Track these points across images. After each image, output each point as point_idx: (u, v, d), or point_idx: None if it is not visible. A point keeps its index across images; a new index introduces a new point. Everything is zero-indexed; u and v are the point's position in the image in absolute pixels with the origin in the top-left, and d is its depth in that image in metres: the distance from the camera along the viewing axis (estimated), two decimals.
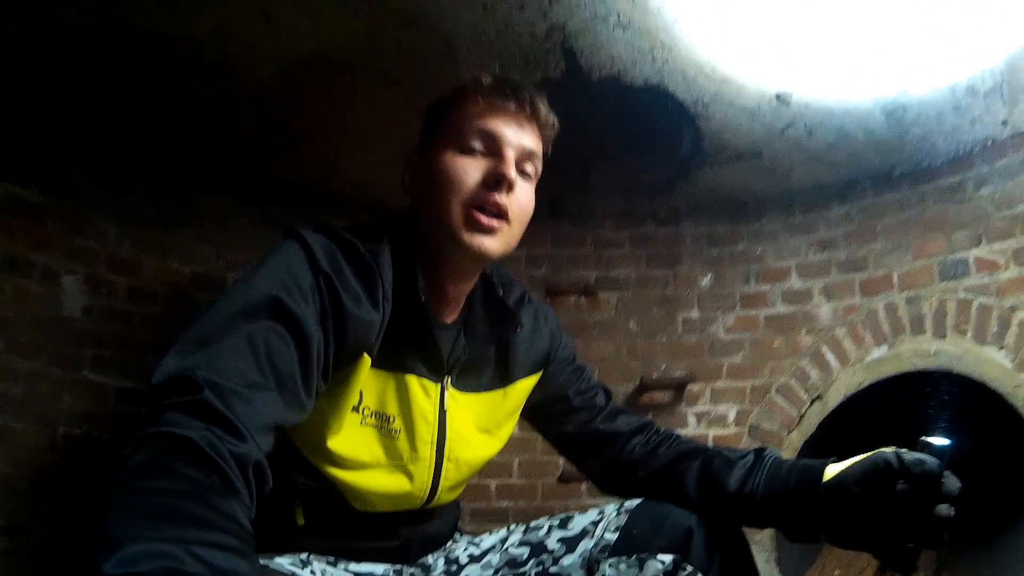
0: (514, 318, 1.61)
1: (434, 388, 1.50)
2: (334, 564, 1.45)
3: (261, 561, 1.31)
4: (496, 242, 1.47)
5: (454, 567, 1.58)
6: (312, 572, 1.39)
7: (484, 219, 1.44)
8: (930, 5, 2.76)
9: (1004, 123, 3.45)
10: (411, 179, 1.54)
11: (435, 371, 1.51)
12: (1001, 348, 3.40)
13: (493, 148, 1.46)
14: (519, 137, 1.48)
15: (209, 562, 0.87)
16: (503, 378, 1.64)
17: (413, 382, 1.47)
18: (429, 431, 1.49)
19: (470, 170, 1.44)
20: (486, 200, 1.44)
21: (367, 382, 1.41)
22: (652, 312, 4.16)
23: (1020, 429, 3.36)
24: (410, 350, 1.46)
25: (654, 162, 3.70)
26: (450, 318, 1.55)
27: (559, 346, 1.77)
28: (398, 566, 1.54)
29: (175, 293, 3.52)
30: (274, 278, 1.28)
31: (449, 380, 1.53)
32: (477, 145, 1.46)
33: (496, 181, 1.44)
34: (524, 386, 1.69)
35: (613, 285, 4.19)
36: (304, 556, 1.43)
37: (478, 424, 1.61)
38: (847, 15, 2.77)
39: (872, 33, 2.86)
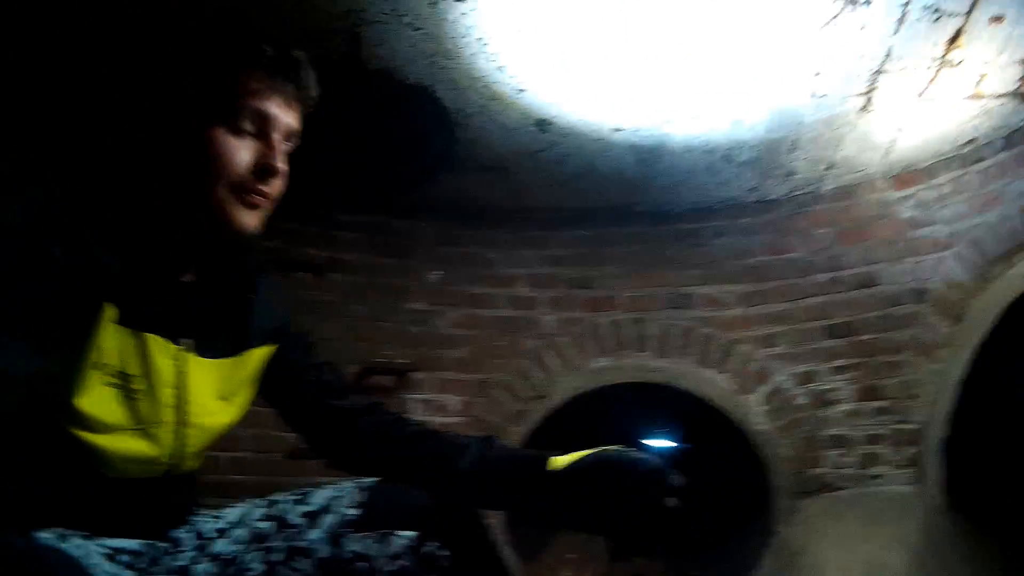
0: (252, 285, 1.59)
1: (173, 349, 1.44)
2: (89, 539, 1.36)
3: (25, 536, 1.24)
4: (257, 219, 1.46)
5: (203, 541, 1.53)
6: (75, 547, 1.31)
7: (251, 199, 1.42)
8: (710, 76, 3.06)
9: (752, 189, 4.02)
10: (170, 145, 1.42)
11: (174, 332, 1.45)
12: (723, 372, 4.00)
13: (264, 131, 1.42)
14: (288, 118, 1.46)
15: None
16: (239, 345, 1.60)
17: (154, 342, 1.41)
18: (170, 394, 1.44)
19: (240, 153, 1.39)
20: (254, 187, 1.42)
21: (109, 338, 1.34)
22: (379, 299, 4.25)
23: (742, 440, 3.97)
24: (151, 309, 1.41)
25: (405, 158, 3.77)
26: (189, 277, 1.51)
27: (294, 321, 1.76)
28: (149, 541, 1.48)
29: None
30: (22, 214, 1.25)
31: (187, 344, 1.48)
32: (248, 126, 1.41)
33: (266, 171, 1.42)
34: (259, 355, 1.66)
35: (343, 268, 4.22)
36: (61, 531, 1.33)
37: (216, 391, 1.56)
38: (626, 58, 2.98)
39: (646, 84, 3.12)
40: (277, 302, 1.69)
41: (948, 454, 3.57)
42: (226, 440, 3.57)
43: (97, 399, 1.32)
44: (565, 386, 4.15)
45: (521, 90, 3.15)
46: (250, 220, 1.43)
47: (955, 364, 3.56)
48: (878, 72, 2.97)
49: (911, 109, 3.24)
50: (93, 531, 1.37)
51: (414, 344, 4.21)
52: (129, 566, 1.39)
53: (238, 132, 1.38)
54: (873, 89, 3.08)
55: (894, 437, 3.73)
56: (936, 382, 3.62)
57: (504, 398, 4.17)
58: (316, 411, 1.73)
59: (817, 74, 2.99)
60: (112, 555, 1.37)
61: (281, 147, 1.43)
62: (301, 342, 1.76)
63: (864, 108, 3.22)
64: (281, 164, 1.42)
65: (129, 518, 1.44)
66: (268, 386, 1.72)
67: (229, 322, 1.57)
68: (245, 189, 1.39)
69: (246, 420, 2.91)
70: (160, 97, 1.40)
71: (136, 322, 1.37)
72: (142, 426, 1.40)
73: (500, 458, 1.56)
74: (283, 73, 1.41)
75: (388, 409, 1.75)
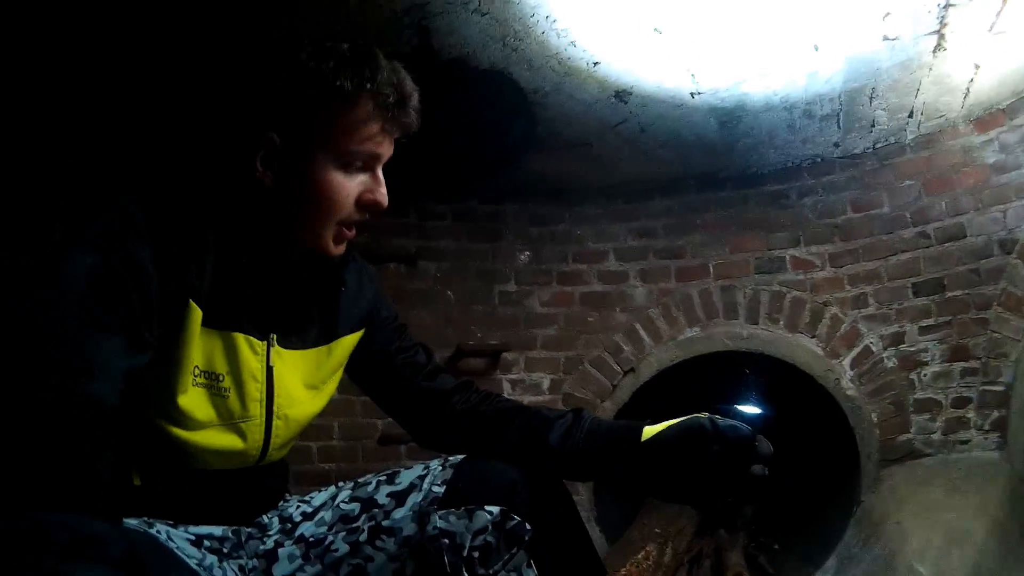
0: (339, 277, 1.62)
1: (260, 346, 1.50)
2: (174, 527, 1.42)
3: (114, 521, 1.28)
4: (346, 245, 1.53)
5: (288, 525, 1.59)
6: (159, 533, 1.37)
7: (349, 232, 1.49)
8: (781, 31, 3.00)
9: (836, 145, 3.93)
10: (274, 172, 1.44)
11: (261, 329, 1.50)
12: (812, 337, 3.96)
13: (371, 166, 1.46)
14: (391, 150, 1.49)
15: (74, 528, 0.88)
16: (327, 335, 1.65)
17: (240, 340, 1.46)
18: (258, 389, 1.49)
19: (349, 189, 1.44)
20: (358, 220, 1.48)
21: (196, 341, 1.39)
22: (470, 283, 4.33)
23: (833, 408, 3.92)
24: (236, 308, 1.46)
25: (486, 142, 3.77)
26: (275, 275, 1.54)
27: (381, 304, 1.80)
28: (235, 527, 1.54)
29: None
30: (112, 221, 1.29)
31: (275, 338, 1.53)
32: (359, 163, 1.44)
33: (374, 205, 1.47)
34: (348, 343, 1.70)
35: (434, 255, 4.32)
36: (146, 519, 1.39)
37: (305, 381, 1.62)
38: (695, 20, 2.94)
39: (718, 45, 3.08)
40: (365, 287, 1.74)
41: None
42: (317, 430, 3.68)
43: (189, 398, 1.38)
44: (656, 359, 4.16)
45: (596, 63, 3.14)
46: (341, 248, 1.50)
47: None
48: (947, 6, 2.84)
49: (984, 45, 3.09)
50: (180, 519, 1.44)
51: (506, 325, 4.29)
52: (215, 551, 1.45)
53: (348, 170, 1.42)
54: (944, 26, 2.95)
55: (981, 400, 3.62)
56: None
57: (595, 374, 4.21)
58: (407, 392, 1.77)
59: (887, 15, 2.88)
60: (197, 541, 1.43)
61: (383, 180, 1.47)
62: (390, 325, 1.80)
63: (938, 47, 3.09)
64: (385, 196, 1.47)
65: (217, 506, 1.51)
66: (359, 370, 1.78)
67: (317, 313, 1.62)
68: (349, 223, 1.46)
69: (336, 409, 2.98)
70: (279, 132, 1.41)
71: (223, 321, 1.42)
72: (232, 422, 1.46)
73: (593, 431, 1.57)
74: (399, 116, 1.43)
75: (478, 387, 1.79)
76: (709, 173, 4.20)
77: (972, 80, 3.39)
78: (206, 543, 1.45)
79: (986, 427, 3.61)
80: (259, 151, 1.41)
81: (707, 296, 4.18)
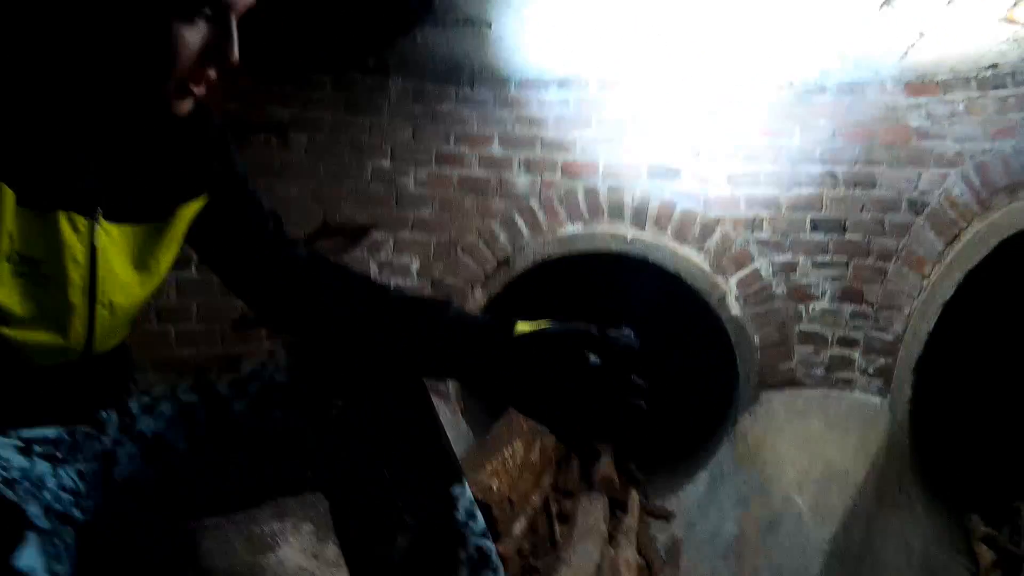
0: (178, 136, 1.42)
1: (84, 224, 1.29)
2: (4, 434, 1.27)
3: None
4: (192, 103, 1.28)
5: (127, 420, 1.44)
6: None
7: (196, 88, 1.25)
8: None
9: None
10: (103, 17, 1.18)
11: (85, 204, 1.29)
12: (701, 251, 3.95)
13: (221, 15, 1.22)
14: None
15: None
16: (164, 205, 1.43)
17: (62, 219, 1.26)
18: (79, 274, 1.30)
19: (190, 39, 1.19)
20: (203, 76, 1.24)
21: (11, 225, 1.20)
22: (343, 157, 4.09)
23: (715, 326, 3.95)
24: (58, 181, 1.25)
25: (376, 12, 3.48)
26: (104, 138, 1.32)
27: (229, 168, 1.56)
28: (71, 427, 1.38)
29: None
30: None
31: (101, 213, 1.32)
32: (205, 11, 1.20)
33: (220, 61, 1.23)
34: (187, 212, 1.48)
35: (307, 126, 4.04)
36: None
37: (134, 260, 1.41)
38: None
39: None
40: (210, 149, 1.50)
41: (919, 374, 3.64)
42: (175, 312, 3.49)
43: (5, 291, 1.21)
44: (533, 251, 4.07)
45: None
46: (186, 106, 1.26)
47: (945, 285, 3.60)
48: None
49: (936, 16, 3.02)
50: (9, 423, 1.28)
51: (377, 204, 4.11)
52: (46, 456, 1.29)
53: (191, 17, 1.18)
54: None
55: (869, 344, 3.83)
56: (922, 299, 3.68)
57: (467, 261, 4.11)
58: (254, 265, 1.57)
59: None
60: (26, 447, 1.27)
61: (235, 30, 1.23)
62: (239, 191, 1.57)
63: (886, 3, 2.96)
64: (236, 53, 1.23)
65: (47, 406, 1.35)
66: (201, 242, 1.56)
67: (152, 181, 1.40)
68: (193, 79, 1.23)
69: (195, 289, 2.73)
70: None
71: (42, 199, 1.22)
72: (51, 315, 1.29)
73: (458, 317, 1.45)
74: None
75: (335, 263, 1.61)
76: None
77: (913, 45, 3.36)
78: (37, 448, 1.29)
79: (871, 371, 3.81)
80: (100, 7, 1.16)
81: (593, 194, 4.07)
